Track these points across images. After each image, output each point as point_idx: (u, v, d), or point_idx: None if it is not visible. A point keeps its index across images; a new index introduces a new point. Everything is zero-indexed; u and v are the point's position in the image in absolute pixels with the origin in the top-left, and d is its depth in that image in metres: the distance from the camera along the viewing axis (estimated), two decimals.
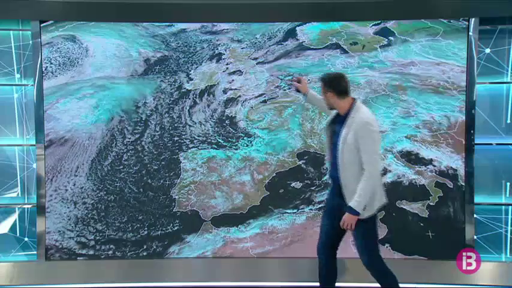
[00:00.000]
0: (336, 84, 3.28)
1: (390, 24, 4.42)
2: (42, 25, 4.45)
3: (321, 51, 4.45)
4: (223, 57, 4.49)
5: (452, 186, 4.35)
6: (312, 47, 4.46)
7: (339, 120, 3.30)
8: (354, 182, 3.17)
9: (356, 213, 3.15)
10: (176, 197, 4.48)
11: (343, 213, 3.23)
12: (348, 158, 3.19)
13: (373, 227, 3.32)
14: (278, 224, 4.46)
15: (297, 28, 4.47)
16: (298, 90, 3.71)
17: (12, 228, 4.59)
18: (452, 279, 4.31)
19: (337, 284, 3.50)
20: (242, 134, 4.48)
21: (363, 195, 3.13)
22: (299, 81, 3.69)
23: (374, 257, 3.31)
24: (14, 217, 4.59)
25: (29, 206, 4.56)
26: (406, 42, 4.40)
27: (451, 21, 4.36)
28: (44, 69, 4.46)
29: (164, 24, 4.51)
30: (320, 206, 4.42)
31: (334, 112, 3.41)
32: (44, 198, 4.45)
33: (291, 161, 4.44)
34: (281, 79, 4.46)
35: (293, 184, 4.44)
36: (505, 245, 4.44)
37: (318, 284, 3.49)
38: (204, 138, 4.49)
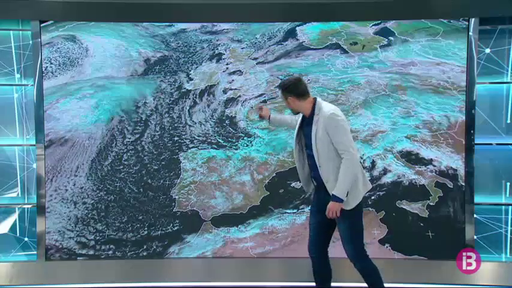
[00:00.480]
0: (293, 88, 3.33)
1: (390, 24, 4.42)
2: (42, 25, 4.45)
3: (321, 51, 4.45)
4: (223, 57, 4.50)
5: (452, 186, 4.35)
6: (312, 47, 4.46)
7: (307, 123, 3.36)
8: (335, 176, 3.22)
9: (339, 200, 3.19)
10: (176, 197, 4.48)
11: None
12: (323, 154, 3.24)
13: (360, 219, 3.34)
14: (278, 224, 4.46)
15: (297, 28, 4.47)
16: (261, 117, 3.75)
17: (12, 228, 4.59)
18: (452, 279, 4.31)
19: (334, 284, 3.49)
20: (242, 134, 4.48)
21: (345, 182, 3.18)
22: (261, 109, 3.73)
23: (359, 250, 3.33)
24: (14, 217, 4.59)
25: (29, 206, 4.56)
26: (406, 42, 4.40)
27: (451, 21, 4.36)
28: (44, 69, 4.46)
29: (164, 24, 4.51)
30: None
31: (299, 119, 3.46)
32: (44, 198, 4.45)
33: (291, 161, 4.44)
34: (281, 79, 4.46)
35: (293, 184, 4.44)
36: (505, 245, 4.44)
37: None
38: (204, 138, 4.49)
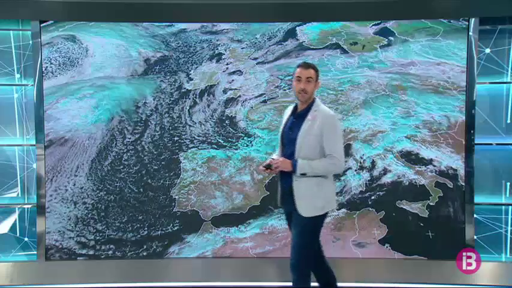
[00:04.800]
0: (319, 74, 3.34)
1: (390, 24, 4.42)
2: (42, 25, 4.45)
3: (321, 51, 4.45)
4: (223, 57, 4.49)
5: (452, 186, 4.35)
6: (312, 47, 4.46)
7: (297, 116, 3.29)
8: (307, 183, 3.15)
9: (294, 165, 3.07)
10: (176, 197, 4.48)
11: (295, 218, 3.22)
12: (306, 152, 3.15)
13: (311, 235, 3.19)
14: (278, 224, 4.46)
15: (297, 28, 4.47)
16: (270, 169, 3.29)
17: (12, 228, 4.59)
18: (452, 279, 4.31)
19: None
20: (242, 134, 4.48)
21: (314, 165, 3.08)
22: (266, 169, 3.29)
23: (301, 265, 3.17)
24: (14, 217, 4.59)
25: (29, 206, 4.56)
26: (406, 42, 4.40)
27: (451, 21, 4.37)
28: (44, 69, 4.46)
29: (164, 24, 4.51)
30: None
31: (285, 116, 3.39)
32: (44, 198, 4.45)
33: None
34: (281, 79, 4.46)
35: None
36: (505, 245, 4.44)
37: (317, 283, 3.46)
38: (204, 138, 4.49)
